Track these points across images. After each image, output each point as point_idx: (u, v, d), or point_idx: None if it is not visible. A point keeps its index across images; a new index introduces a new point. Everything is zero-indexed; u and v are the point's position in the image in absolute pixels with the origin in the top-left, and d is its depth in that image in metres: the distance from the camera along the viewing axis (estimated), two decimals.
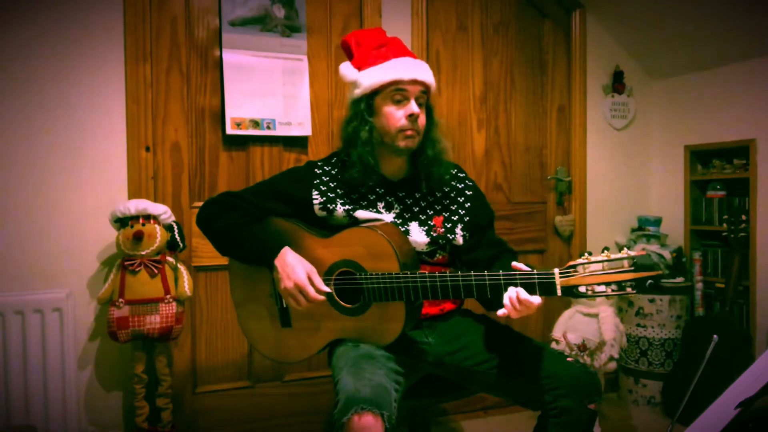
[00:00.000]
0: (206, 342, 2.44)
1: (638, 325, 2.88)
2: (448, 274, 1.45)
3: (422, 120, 1.62)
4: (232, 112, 2.38)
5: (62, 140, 2.21)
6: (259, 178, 2.46)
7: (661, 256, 2.89)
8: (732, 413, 0.98)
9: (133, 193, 2.29)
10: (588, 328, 2.58)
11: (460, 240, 1.65)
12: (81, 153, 2.24)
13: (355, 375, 1.39)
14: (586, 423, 1.42)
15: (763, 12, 2.52)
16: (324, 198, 1.65)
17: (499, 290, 1.39)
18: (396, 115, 1.58)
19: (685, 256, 3.03)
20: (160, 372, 2.20)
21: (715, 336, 1.26)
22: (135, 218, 2.13)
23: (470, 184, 1.73)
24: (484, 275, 1.40)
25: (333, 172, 1.68)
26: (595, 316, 2.60)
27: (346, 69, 1.68)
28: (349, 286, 1.55)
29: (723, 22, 2.67)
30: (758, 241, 2.71)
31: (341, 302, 1.57)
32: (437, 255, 1.66)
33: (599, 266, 1.28)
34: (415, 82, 1.59)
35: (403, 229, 1.61)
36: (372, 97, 1.61)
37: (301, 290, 1.50)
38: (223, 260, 1.76)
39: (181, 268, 2.20)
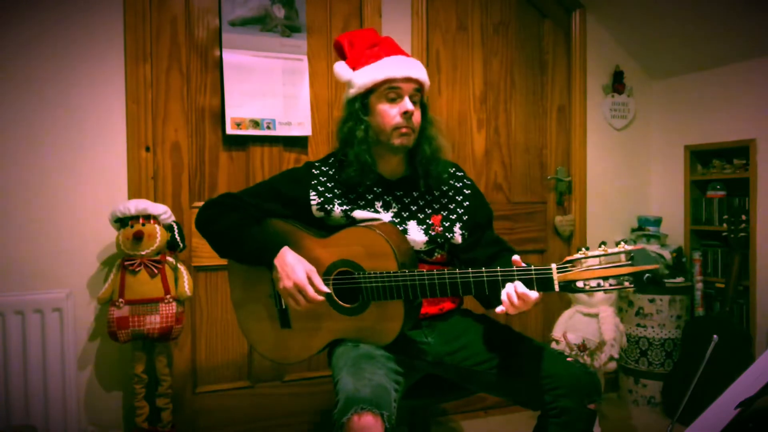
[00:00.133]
0: (206, 342, 2.44)
1: (638, 325, 2.88)
2: (446, 271, 1.45)
3: (417, 117, 1.62)
4: (232, 112, 2.38)
5: (62, 140, 2.21)
6: (259, 178, 2.46)
7: (661, 256, 2.89)
8: (732, 413, 0.98)
9: (133, 193, 2.29)
10: (588, 328, 2.58)
11: (458, 239, 1.65)
12: (81, 153, 2.24)
13: (355, 375, 1.38)
14: (586, 423, 1.42)
15: (763, 12, 2.52)
16: (321, 198, 1.65)
17: (497, 287, 1.39)
18: (390, 113, 1.59)
19: (685, 256, 3.03)
20: (160, 372, 2.20)
21: (715, 336, 1.27)
22: (135, 218, 2.13)
23: (469, 183, 1.73)
24: (482, 272, 1.40)
25: (330, 172, 1.68)
26: (595, 316, 2.60)
27: (341, 68, 1.68)
28: (348, 285, 1.55)
29: (723, 22, 2.67)
30: (758, 241, 2.71)
31: (340, 302, 1.57)
32: (435, 254, 1.66)
33: (596, 261, 1.28)
34: (408, 79, 1.59)
35: (401, 228, 1.61)
36: (366, 96, 1.62)
37: (301, 290, 1.50)
38: (223, 260, 1.76)
39: (181, 268, 2.20)
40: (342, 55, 1.73)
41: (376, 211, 1.64)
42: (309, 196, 1.66)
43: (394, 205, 1.65)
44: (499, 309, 1.36)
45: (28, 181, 2.17)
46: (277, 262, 1.53)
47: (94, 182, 2.26)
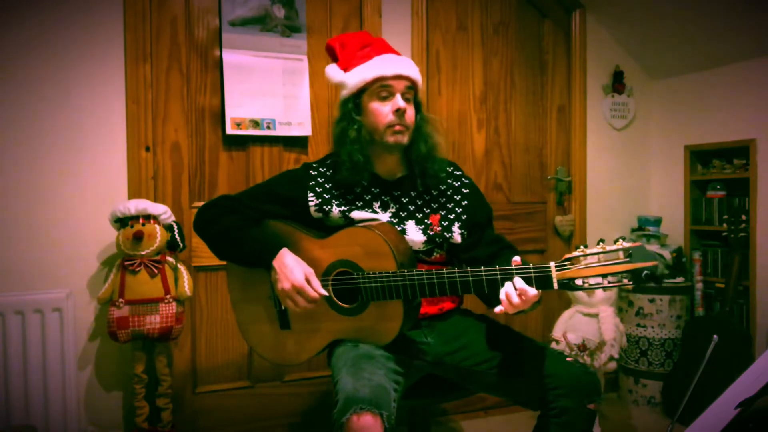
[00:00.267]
0: (206, 342, 2.44)
1: (638, 325, 2.88)
2: (444, 271, 1.44)
3: (411, 115, 1.62)
4: (232, 112, 2.38)
5: (62, 140, 2.21)
6: (260, 178, 2.46)
7: (661, 256, 2.89)
8: (732, 413, 0.98)
9: (133, 193, 2.29)
10: (588, 328, 2.58)
11: (457, 238, 1.65)
12: (81, 153, 2.24)
13: (355, 375, 1.38)
14: (586, 423, 1.42)
15: (763, 12, 2.52)
16: (320, 199, 1.65)
17: (496, 286, 1.38)
18: (383, 111, 1.59)
19: (685, 256, 3.03)
20: (160, 372, 2.20)
21: (715, 336, 1.27)
22: (135, 218, 2.13)
23: (467, 181, 1.72)
24: (481, 271, 1.40)
25: (328, 173, 1.68)
26: (595, 316, 2.60)
27: (332, 71, 1.69)
28: (347, 286, 1.55)
29: (723, 22, 2.67)
30: (758, 241, 2.71)
31: (339, 303, 1.57)
32: (434, 253, 1.66)
33: (595, 258, 1.28)
34: (399, 77, 1.59)
35: (399, 229, 1.61)
36: (359, 96, 1.62)
37: (299, 292, 1.50)
38: (223, 261, 1.77)
39: (181, 268, 2.20)
40: (334, 58, 1.73)
41: (374, 212, 1.64)
42: (307, 197, 1.66)
43: (392, 205, 1.65)
44: (497, 309, 1.36)
45: (28, 181, 2.17)
46: (275, 263, 1.53)
47: (94, 182, 2.26)
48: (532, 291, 1.33)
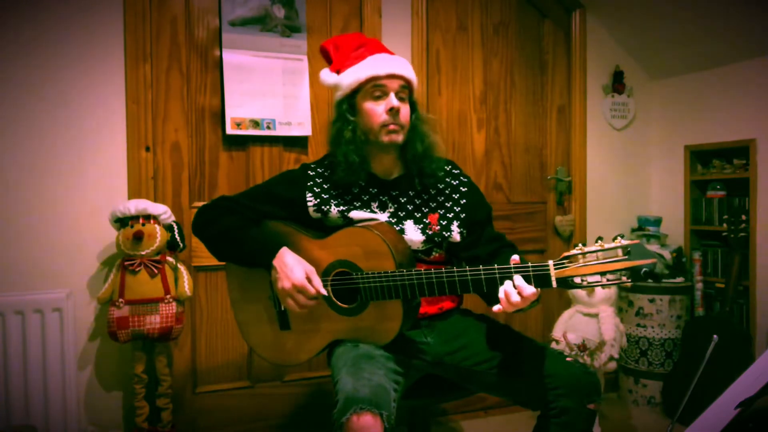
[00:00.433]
0: (206, 342, 2.44)
1: (638, 325, 2.88)
2: (443, 270, 1.44)
3: (405, 114, 1.61)
4: (232, 112, 2.38)
5: (62, 140, 2.22)
6: (260, 178, 2.46)
7: (661, 256, 2.89)
8: (732, 413, 0.98)
9: (133, 193, 2.29)
10: (588, 328, 2.58)
11: (457, 237, 1.64)
12: (81, 153, 2.24)
13: (355, 375, 1.38)
14: (585, 423, 1.42)
15: (763, 12, 2.52)
16: (318, 200, 1.65)
17: (495, 285, 1.38)
18: (377, 111, 1.59)
19: (685, 256, 3.03)
20: (160, 372, 2.20)
21: (715, 336, 1.26)
22: (135, 218, 2.13)
23: (465, 180, 1.71)
24: (479, 269, 1.40)
25: (326, 174, 1.68)
26: (595, 316, 2.59)
27: (325, 75, 1.70)
28: (346, 286, 1.55)
29: (723, 22, 2.67)
30: (758, 241, 2.71)
31: (339, 303, 1.57)
32: (434, 253, 1.65)
33: (594, 256, 1.28)
34: (392, 76, 1.59)
35: (398, 228, 1.61)
36: (353, 96, 1.62)
37: (300, 290, 1.49)
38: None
39: (181, 268, 2.20)
40: (328, 60, 1.73)
41: (373, 212, 1.64)
42: (305, 197, 1.66)
43: (390, 205, 1.65)
44: (496, 308, 1.36)
45: (28, 181, 2.17)
46: (275, 262, 1.53)
47: (94, 182, 2.26)
48: (531, 289, 1.33)
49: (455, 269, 1.43)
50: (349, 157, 1.59)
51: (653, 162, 3.24)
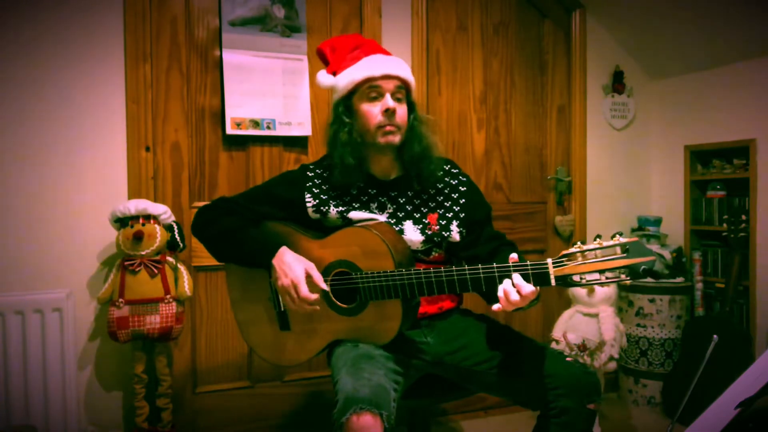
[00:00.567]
0: (206, 342, 2.44)
1: (638, 325, 2.88)
2: (442, 269, 1.44)
3: (401, 115, 1.60)
4: (232, 112, 2.38)
5: (62, 140, 2.22)
6: (260, 178, 2.46)
7: (661, 256, 2.89)
8: (732, 413, 0.98)
9: (133, 193, 2.29)
10: (588, 328, 2.58)
11: (456, 237, 1.64)
12: (81, 153, 2.24)
13: (354, 375, 1.38)
14: (585, 423, 1.42)
15: (763, 12, 2.52)
16: (317, 201, 1.65)
17: (494, 283, 1.38)
18: (372, 112, 1.58)
19: (685, 256, 3.03)
20: (160, 372, 2.20)
21: (715, 336, 1.26)
22: (135, 218, 2.13)
23: (464, 179, 1.71)
24: (478, 268, 1.40)
25: (325, 174, 1.68)
26: (595, 316, 2.59)
27: (322, 76, 1.70)
28: (346, 286, 1.55)
29: (723, 22, 2.67)
30: (758, 241, 2.71)
31: (338, 303, 1.57)
32: (433, 253, 1.65)
33: (592, 254, 1.28)
34: (387, 77, 1.58)
35: (397, 229, 1.61)
36: (349, 98, 1.62)
37: (297, 286, 1.49)
38: None
39: (181, 268, 2.20)
40: (324, 61, 1.73)
41: (372, 213, 1.63)
42: (304, 198, 1.66)
43: (389, 205, 1.65)
44: (495, 307, 1.36)
45: (28, 181, 2.17)
46: (275, 262, 1.53)
47: (94, 182, 2.26)
48: (530, 288, 1.32)
49: (454, 268, 1.42)
50: (346, 160, 1.59)
51: (653, 162, 3.24)
